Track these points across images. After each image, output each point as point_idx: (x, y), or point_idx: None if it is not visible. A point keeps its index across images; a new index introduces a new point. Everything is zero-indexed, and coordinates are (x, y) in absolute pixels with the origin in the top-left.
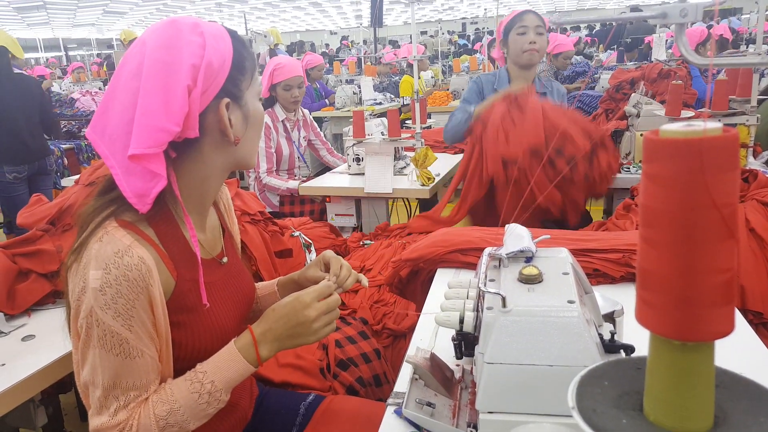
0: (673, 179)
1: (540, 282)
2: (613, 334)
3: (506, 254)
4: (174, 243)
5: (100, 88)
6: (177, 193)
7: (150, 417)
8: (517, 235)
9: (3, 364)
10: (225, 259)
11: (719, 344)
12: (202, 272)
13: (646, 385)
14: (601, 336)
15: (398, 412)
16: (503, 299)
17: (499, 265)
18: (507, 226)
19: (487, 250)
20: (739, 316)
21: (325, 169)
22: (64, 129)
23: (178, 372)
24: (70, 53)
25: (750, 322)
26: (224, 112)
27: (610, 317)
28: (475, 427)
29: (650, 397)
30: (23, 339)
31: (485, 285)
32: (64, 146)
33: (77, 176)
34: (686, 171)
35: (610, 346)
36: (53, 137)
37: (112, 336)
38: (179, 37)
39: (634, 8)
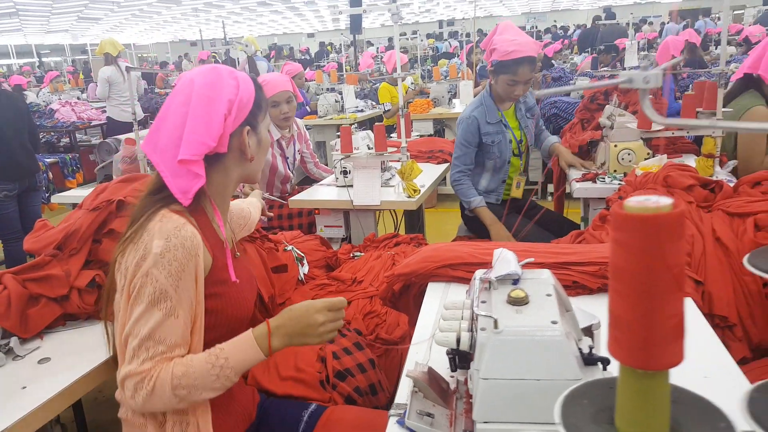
0: (635, 245)
1: (527, 304)
2: (591, 348)
3: (495, 277)
4: (208, 230)
5: (78, 98)
6: (207, 192)
7: (168, 373)
8: (505, 260)
9: (24, 387)
10: (238, 254)
11: (690, 350)
12: (229, 252)
13: (616, 404)
14: (580, 350)
15: (401, 422)
16: (495, 321)
17: (489, 287)
18: (495, 250)
19: (478, 274)
20: (705, 323)
21: (306, 178)
22: (43, 140)
23: (210, 339)
24: (44, 59)
25: (716, 326)
26: (246, 136)
27: (588, 331)
28: None
29: (620, 413)
30: (39, 362)
31: (478, 307)
32: (48, 160)
33: (68, 191)
34: (645, 239)
35: (589, 359)
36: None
37: (161, 293)
38: (220, 79)
39: (607, 9)
